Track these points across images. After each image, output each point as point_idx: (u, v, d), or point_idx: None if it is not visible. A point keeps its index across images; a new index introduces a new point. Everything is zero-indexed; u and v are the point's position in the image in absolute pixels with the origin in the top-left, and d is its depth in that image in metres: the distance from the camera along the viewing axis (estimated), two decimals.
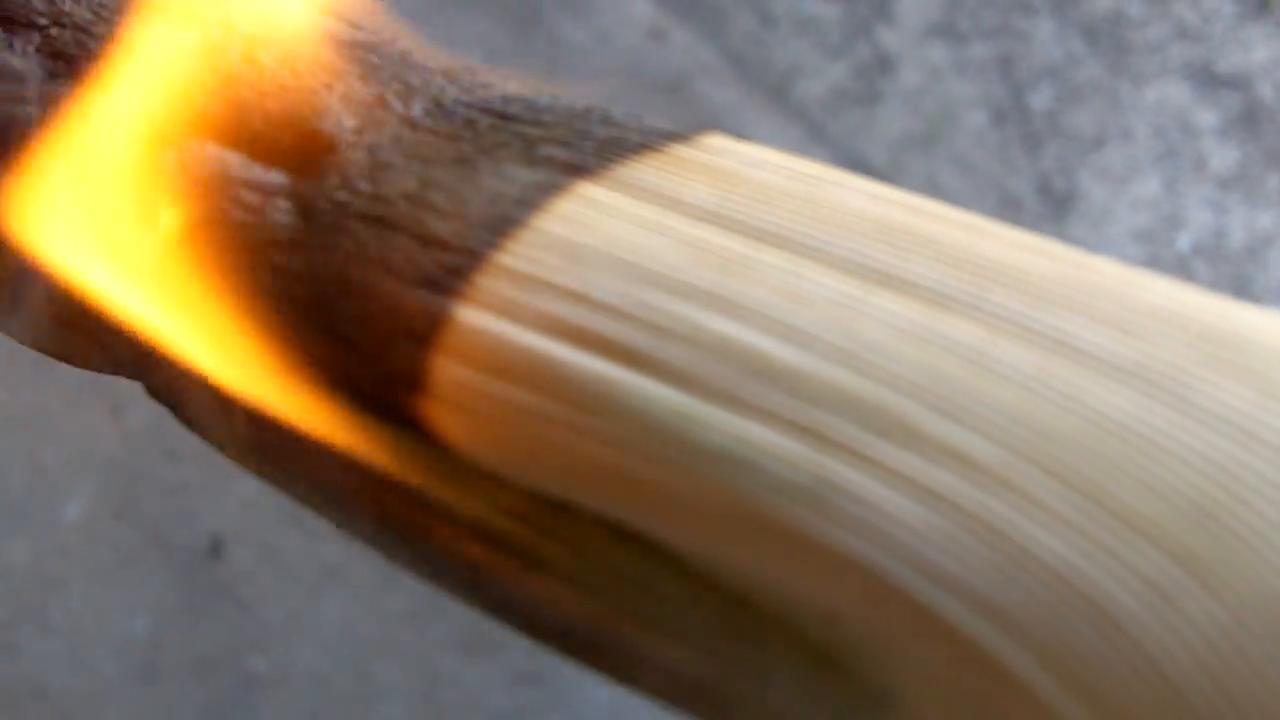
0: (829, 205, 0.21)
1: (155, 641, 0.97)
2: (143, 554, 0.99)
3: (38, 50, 0.25)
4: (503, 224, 0.21)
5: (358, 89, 0.24)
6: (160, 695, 0.96)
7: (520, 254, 0.21)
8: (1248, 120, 1.12)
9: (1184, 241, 1.08)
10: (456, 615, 0.95)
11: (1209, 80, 1.14)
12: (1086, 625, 0.17)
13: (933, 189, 1.09)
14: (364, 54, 0.24)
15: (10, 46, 0.25)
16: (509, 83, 0.24)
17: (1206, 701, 0.17)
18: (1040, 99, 1.14)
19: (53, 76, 0.25)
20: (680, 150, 0.22)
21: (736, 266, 0.20)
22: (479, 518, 0.21)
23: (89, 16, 0.25)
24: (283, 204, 0.23)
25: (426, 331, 0.21)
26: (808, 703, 0.19)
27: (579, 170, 0.22)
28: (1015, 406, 0.18)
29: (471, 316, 0.20)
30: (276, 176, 0.23)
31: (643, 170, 0.22)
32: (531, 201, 0.21)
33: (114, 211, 0.23)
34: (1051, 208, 1.09)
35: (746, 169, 0.22)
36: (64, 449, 1.02)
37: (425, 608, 0.96)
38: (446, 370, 0.20)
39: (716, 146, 0.22)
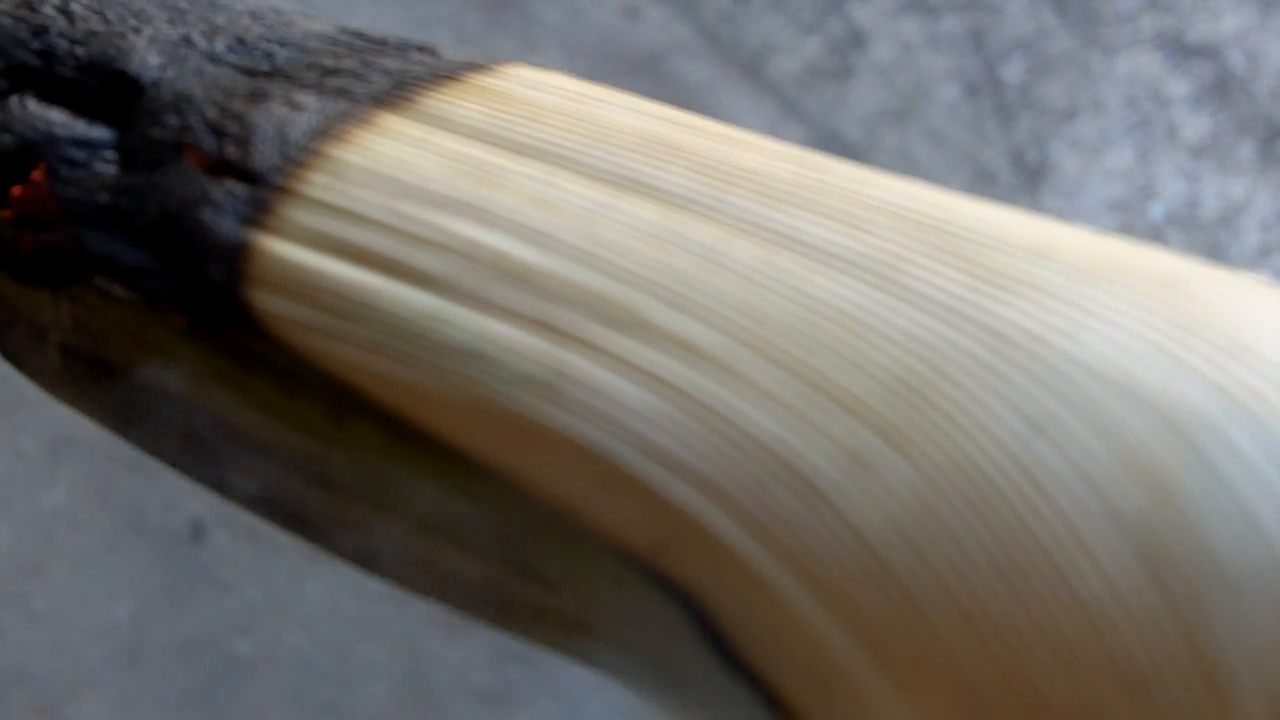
0: (594, 121, 0.22)
1: (138, 626, 0.97)
2: (125, 539, 0.99)
3: None
4: (285, 149, 0.22)
5: (164, 30, 0.25)
6: (144, 679, 0.96)
7: (298, 175, 0.22)
8: (1219, 89, 1.12)
9: (1157, 210, 1.08)
10: None
11: (1180, 50, 1.14)
12: (791, 495, 0.18)
13: (907, 162, 1.10)
14: (175, 0, 0.25)
15: None
16: (314, 22, 0.25)
17: (902, 562, 0.18)
18: (1012, 71, 1.14)
19: None
20: (464, 76, 0.23)
21: (493, 178, 0.21)
22: (272, 436, 0.22)
23: None
24: (107, 154, 0.24)
25: (223, 252, 0.22)
26: (583, 599, 0.21)
27: (363, 98, 0.23)
28: (738, 297, 0.19)
29: (253, 236, 0.22)
30: (98, 130, 0.24)
31: (423, 96, 0.23)
32: (314, 127, 0.22)
33: None
34: (1025, 179, 1.09)
35: (522, 90, 0.23)
36: (45, 436, 1.03)
37: None
38: (242, 287, 0.22)
39: (501, 72, 0.24)
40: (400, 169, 0.22)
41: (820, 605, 0.18)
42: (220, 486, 0.24)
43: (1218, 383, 0.18)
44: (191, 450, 0.24)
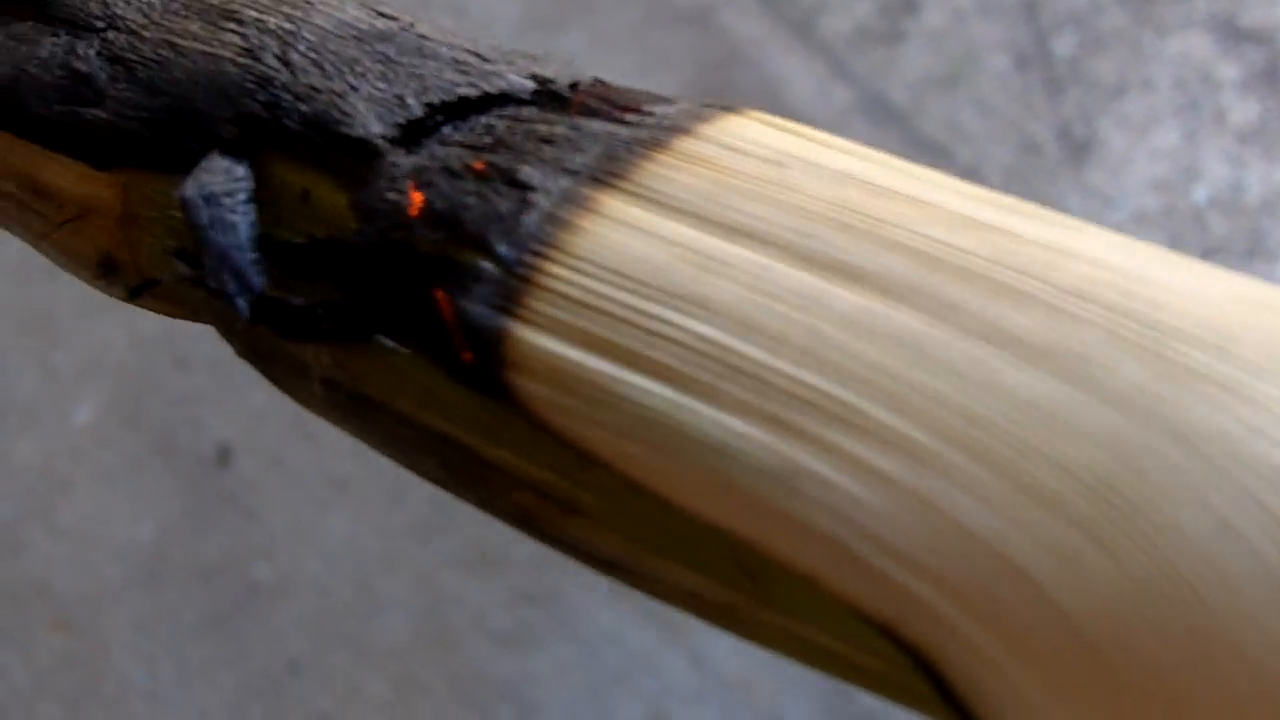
0: (798, 190, 0.24)
1: (160, 547, 0.97)
2: (150, 460, 1.00)
3: (98, 54, 0.27)
4: (520, 238, 0.24)
5: (380, 90, 0.26)
6: (163, 600, 0.96)
7: (536, 266, 0.24)
8: (1269, 75, 1.12)
9: (1200, 194, 1.08)
10: (461, 533, 0.96)
11: (1232, 34, 1.14)
12: (1007, 586, 0.20)
13: (953, 130, 1.09)
14: (384, 47, 0.26)
15: (75, 52, 0.27)
16: (515, 66, 0.26)
17: (1105, 644, 0.20)
18: (1064, 45, 1.14)
19: (113, 80, 0.27)
20: (669, 143, 0.25)
21: (712, 266, 0.23)
22: (526, 470, 0.24)
23: (140, 19, 0.27)
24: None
25: (480, 338, 0.24)
26: (804, 620, 0.22)
27: (582, 174, 0.24)
28: (947, 396, 0.21)
29: (505, 323, 0.24)
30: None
31: (635, 170, 0.24)
32: (545, 213, 0.24)
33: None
34: (1070, 154, 1.09)
35: (726, 156, 0.24)
36: (75, 353, 1.03)
37: (430, 524, 0.97)
38: (500, 369, 0.24)
39: (703, 134, 0.25)
40: (627, 262, 0.23)
41: (1037, 682, 0.20)
42: (481, 506, 0.26)
43: None
44: (451, 476, 0.25)
